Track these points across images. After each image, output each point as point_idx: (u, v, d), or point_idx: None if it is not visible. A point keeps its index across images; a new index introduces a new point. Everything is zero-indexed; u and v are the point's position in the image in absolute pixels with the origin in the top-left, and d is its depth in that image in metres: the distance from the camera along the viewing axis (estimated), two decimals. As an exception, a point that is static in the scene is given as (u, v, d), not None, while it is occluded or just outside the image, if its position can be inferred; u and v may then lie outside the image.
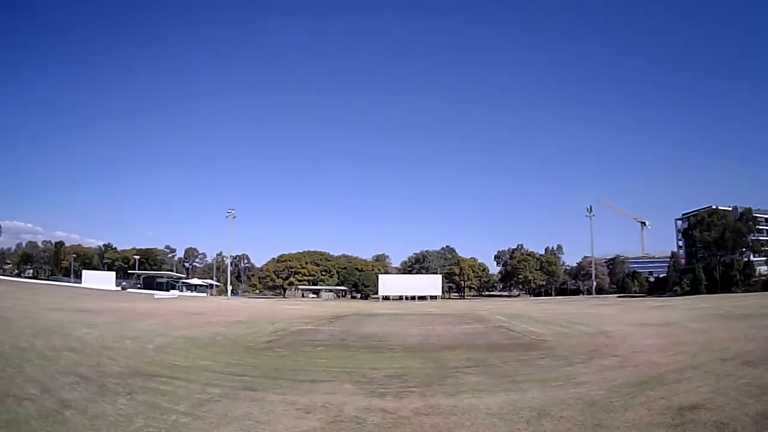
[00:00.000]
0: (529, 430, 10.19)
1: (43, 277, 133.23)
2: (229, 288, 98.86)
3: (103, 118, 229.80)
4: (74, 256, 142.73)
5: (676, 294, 72.81)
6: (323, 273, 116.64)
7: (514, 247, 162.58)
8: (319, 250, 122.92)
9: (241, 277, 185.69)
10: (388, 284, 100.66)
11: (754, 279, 73.01)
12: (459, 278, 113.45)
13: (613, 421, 10.49)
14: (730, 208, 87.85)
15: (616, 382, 14.00)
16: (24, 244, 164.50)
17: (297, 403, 12.55)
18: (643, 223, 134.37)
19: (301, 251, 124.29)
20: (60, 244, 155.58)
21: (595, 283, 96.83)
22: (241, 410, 11.95)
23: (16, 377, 13.10)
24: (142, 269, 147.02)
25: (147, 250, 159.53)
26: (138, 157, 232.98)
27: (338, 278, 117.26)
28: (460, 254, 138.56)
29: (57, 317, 30.26)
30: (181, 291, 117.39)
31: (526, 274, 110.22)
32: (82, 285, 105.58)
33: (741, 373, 12.97)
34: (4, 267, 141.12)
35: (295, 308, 61.19)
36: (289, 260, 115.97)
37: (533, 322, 35.74)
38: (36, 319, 28.61)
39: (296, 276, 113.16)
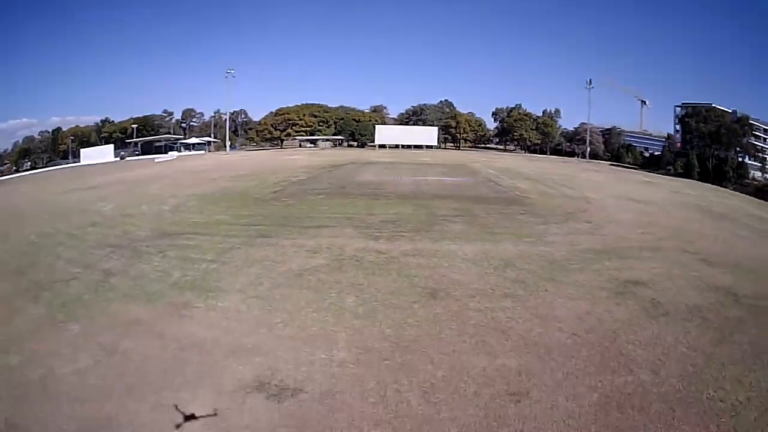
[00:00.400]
0: (495, 275, 12.03)
1: (41, 166, 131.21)
2: (228, 143, 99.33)
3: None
4: (71, 138, 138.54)
5: (668, 174, 73.04)
6: (321, 124, 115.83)
7: (513, 106, 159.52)
8: (317, 102, 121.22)
9: (238, 131, 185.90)
10: (385, 134, 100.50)
11: (746, 180, 71.77)
12: (455, 131, 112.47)
13: (565, 278, 12.27)
14: (730, 111, 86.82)
15: (580, 246, 15.59)
16: (20, 141, 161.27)
17: (305, 245, 14.49)
18: (643, 102, 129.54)
19: (299, 104, 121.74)
20: (57, 130, 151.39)
21: (589, 149, 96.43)
22: (260, 254, 13.90)
23: (54, 262, 13.99)
24: (141, 137, 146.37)
25: (144, 117, 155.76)
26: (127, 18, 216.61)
27: (335, 128, 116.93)
28: (458, 109, 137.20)
29: (68, 198, 29.21)
30: (180, 152, 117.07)
31: (521, 132, 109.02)
32: (81, 163, 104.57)
33: (696, 267, 13.41)
34: (1, 169, 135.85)
35: (294, 158, 62.55)
36: (287, 113, 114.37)
37: (522, 178, 36.82)
38: (48, 204, 27.92)
39: (294, 128, 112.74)
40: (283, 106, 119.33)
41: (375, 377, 7.42)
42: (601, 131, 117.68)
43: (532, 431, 6.26)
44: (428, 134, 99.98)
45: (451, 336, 8.73)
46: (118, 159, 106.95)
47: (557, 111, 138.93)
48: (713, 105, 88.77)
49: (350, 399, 6.92)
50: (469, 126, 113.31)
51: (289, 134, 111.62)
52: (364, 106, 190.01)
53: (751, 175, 77.80)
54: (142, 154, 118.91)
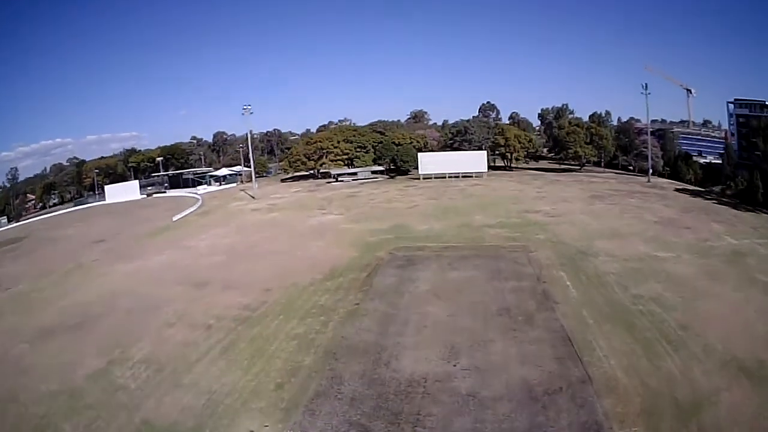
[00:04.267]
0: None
1: (67, 200, 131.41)
2: (254, 178, 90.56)
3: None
4: (96, 171, 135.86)
5: (729, 190, 66.53)
6: (358, 150, 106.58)
7: (559, 105, 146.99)
8: (348, 119, 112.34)
9: (275, 152, 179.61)
10: (429, 162, 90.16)
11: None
12: (504, 149, 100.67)
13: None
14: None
15: None
16: (48, 168, 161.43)
17: None
18: (689, 91, 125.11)
19: (330, 127, 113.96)
20: (81, 163, 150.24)
21: (651, 167, 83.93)
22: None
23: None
24: (170, 166, 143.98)
25: (172, 146, 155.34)
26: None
27: (374, 153, 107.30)
28: (500, 111, 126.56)
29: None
30: (209, 185, 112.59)
31: (576, 149, 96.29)
32: (106, 201, 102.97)
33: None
34: (26, 204, 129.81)
35: (326, 221, 54.48)
36: (319, 141, 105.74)
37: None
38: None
39: (329, 156, 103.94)
40: (314, 132, 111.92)
41: None
42: (653, 133, 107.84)
43: None
44: (476, 160, 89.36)
45: None
46: (144, 196, 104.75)
47: (608, 113, 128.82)
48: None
49: None
50: (519, 143, 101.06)
51: (323, 164, 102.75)
52: (402, 115, 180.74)
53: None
54: (171, 187, 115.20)
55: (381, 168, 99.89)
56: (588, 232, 43.81)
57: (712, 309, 25.89)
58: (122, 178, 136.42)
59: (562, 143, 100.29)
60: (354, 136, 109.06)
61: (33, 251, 59.32)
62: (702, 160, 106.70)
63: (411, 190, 76.00)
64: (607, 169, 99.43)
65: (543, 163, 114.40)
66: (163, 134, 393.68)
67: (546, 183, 78.80)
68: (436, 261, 37.01)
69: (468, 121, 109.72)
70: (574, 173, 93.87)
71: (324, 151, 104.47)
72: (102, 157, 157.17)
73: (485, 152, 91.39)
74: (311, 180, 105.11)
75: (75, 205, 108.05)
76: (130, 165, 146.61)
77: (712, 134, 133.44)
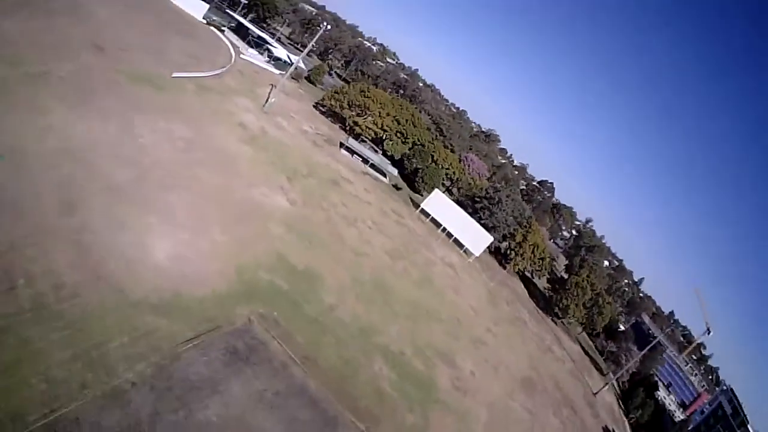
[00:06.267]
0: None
1: None
2: (271, 99, 79.87)
3: None
4: None
5: None
6: (398, 134, 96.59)
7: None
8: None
9: (351, 65, 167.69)
10: (437, 204, 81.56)
11: None
12: (514, 247, 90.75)
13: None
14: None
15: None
16: None
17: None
18: (708, 330, 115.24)
19: (393, 98, 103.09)
20: None
21: (611, 382, 77.84)
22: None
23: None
24: (256, 9, 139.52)
25: None
26: None
27: (409, 149, 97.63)
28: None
29: None
30: (261, 53, 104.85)
31: (569, 304, 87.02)
32: (173, 1, 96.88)
33: None
34: None
35: (264, 204, 45.92)
36: (373, 99, 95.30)
37: None
38: None
39: (367, 119, 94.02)
40: (372, 87, 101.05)
41: None
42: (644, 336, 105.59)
43: None
44: (477, 239, 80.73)
45: None
46: (205, 22, 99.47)
47: (641, 280, 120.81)
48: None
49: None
50: (532, 252, 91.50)
51: (356, 123, 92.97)
52: (483, 121, 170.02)
53: None
54: (235, 32, 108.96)
55: (394, 170, 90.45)
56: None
57: None
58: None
59: (564, 288, 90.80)
60: (408, 119, 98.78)
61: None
62: (664, 394, 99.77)
63: (390, 222, 67.68)
64: (578, 341, 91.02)
65: (542, 278, 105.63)
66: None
67: (510, 319, 70.67)
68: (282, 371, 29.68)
69: (504, 188, 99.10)
70: (546, 323, 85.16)
71: (369, 111, 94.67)
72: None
73: (490, 238, 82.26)
74: (339, 125, 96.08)
75: None
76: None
77: (691, 377, 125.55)
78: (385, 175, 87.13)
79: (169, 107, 51.85)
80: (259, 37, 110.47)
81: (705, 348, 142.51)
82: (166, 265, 31.03)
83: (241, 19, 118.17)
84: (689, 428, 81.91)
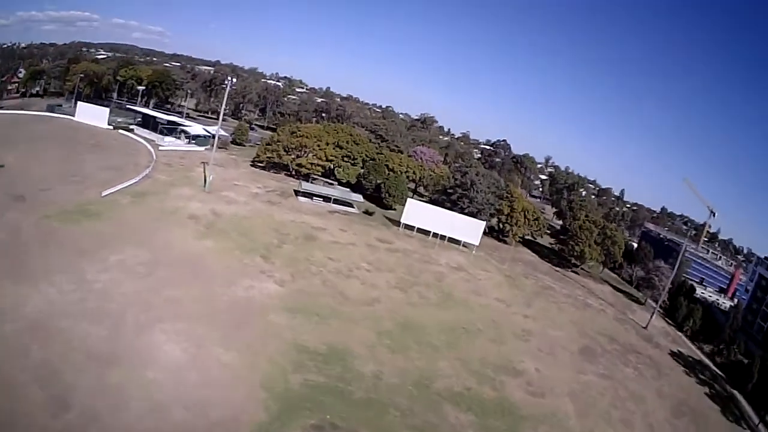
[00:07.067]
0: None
1: (50, 92, 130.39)
2: (209, 180, 72.69)
3: None
4: (82, 75, 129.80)
5: (719, 356, 65.54)
6: (345, 159, 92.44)
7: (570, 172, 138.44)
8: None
9: (266, 112, 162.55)
10: (417, 213, 77.35)
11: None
12: (506, 221, 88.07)
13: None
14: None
15: None
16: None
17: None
18: (712, 213, 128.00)
19: (324, 125, 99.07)
20: (75, 59, 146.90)
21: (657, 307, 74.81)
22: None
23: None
24: (154, 95, 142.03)
25: (162, 72, 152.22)
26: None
27: (361, 168, 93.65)
28: (512, 146, 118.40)
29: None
30: (178, 138, 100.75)
31: (583, 248, 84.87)
32: (74, 118, 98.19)
33: None
34: (10, 86, 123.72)
35: (258, 295, 40.11)
36: (306, 136, 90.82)
37: None
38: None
39: (310, 156, 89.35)
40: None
41: None
42: (663, 244, 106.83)
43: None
44: (470, 228, 77.16)
45: None
46: (111, 127, 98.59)
47: (622, 192, 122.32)
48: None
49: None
50: (524, 217, 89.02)
51: (301, 164, 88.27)
52: (411, 109, 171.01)
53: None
54: (142, 126, 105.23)
55: (358, 196, 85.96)
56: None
57: None
58: (106, 91, 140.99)
59: (571, 236, 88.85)
60: (348, 142, 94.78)
61: None
62: (700, 290, 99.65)
63: (382, 253, 63.45)
64: (605, 281, 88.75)
65: (543, 236, 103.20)
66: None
67: (538, 292, 67.54)
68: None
69: (469, 168, 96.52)
70: (570, 278, 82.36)
71: (307, 149, 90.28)
72: (92, 62, 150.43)
73: (483, 223, 78.93)
74: (284, 173, 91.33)
75: (47, 111, 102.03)
76: (117, 78, 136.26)
77: (716, 262, 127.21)
78: (351, 206, 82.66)
79: (113, 233, 46.65)
80: (169, 122, 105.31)
81: (710, 227, 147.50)
82: (188, 419, 26.05)
83: (145, 110, 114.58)
84: (743, 309, 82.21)
